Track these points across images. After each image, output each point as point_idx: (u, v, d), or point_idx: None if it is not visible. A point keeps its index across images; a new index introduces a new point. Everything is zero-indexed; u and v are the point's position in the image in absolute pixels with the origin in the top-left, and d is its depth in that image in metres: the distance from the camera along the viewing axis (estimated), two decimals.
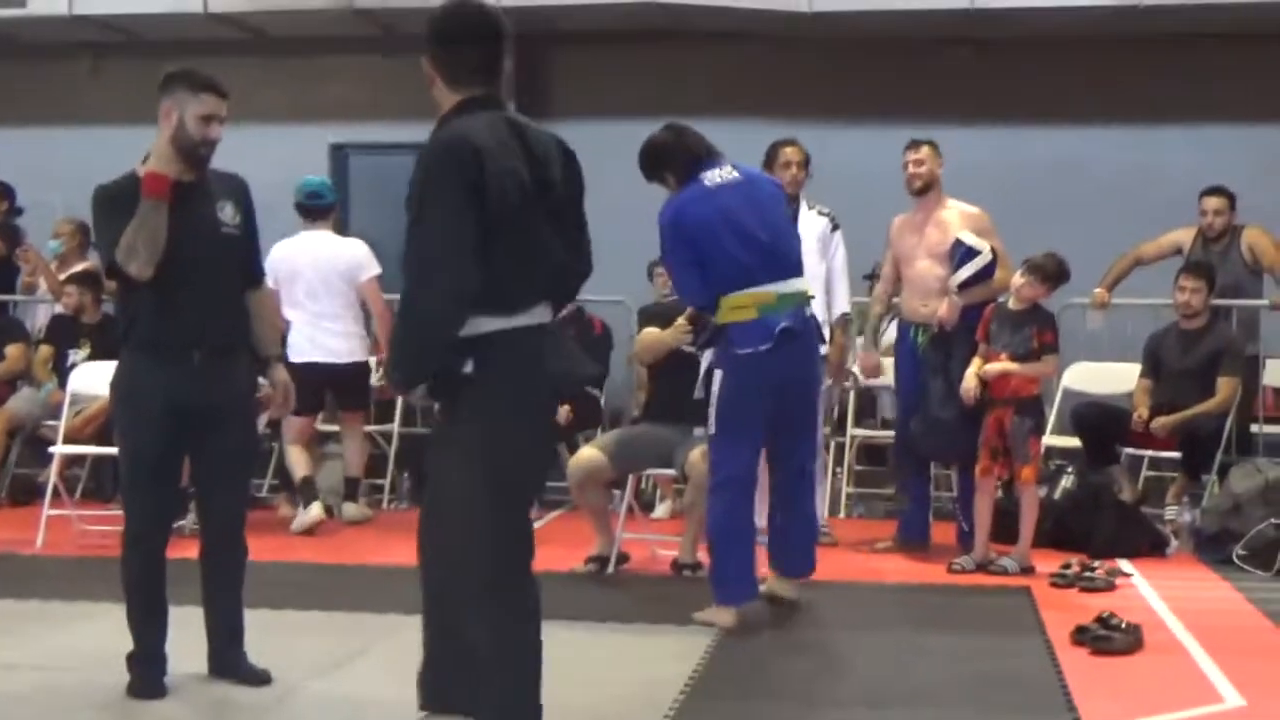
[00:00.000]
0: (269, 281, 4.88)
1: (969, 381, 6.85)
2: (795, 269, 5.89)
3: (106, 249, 4.56)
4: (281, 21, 10.46)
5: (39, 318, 9.78)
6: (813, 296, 6.06)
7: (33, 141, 11.30)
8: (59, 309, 9.17)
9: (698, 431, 6.31)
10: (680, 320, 6.41)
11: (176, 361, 4.54)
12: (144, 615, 4.64)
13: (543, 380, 3.75)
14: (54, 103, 11.35)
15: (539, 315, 3.75)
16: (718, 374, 5.76)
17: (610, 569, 6.78)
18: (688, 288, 5.92)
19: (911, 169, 7.35)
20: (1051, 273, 6.87)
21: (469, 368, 3.61)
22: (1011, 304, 6.92)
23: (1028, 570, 6.79)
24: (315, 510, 7.86)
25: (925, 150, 7.37)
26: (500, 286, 3.60)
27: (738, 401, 5.70)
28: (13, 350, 9.05)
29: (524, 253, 3.65)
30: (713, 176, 5.84)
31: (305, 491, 7.91)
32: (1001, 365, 6.78)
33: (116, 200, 4.54)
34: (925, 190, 7.36)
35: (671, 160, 5.94)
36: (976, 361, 6.90)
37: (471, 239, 3.54)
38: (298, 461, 7.97)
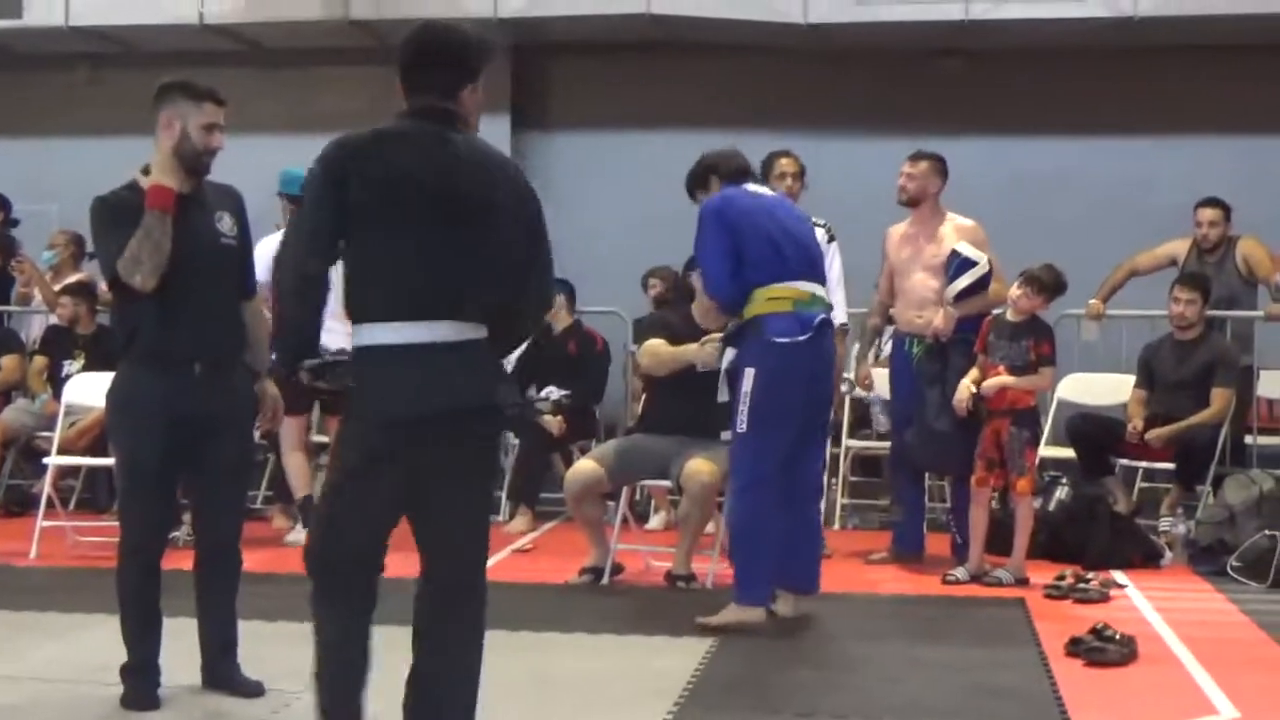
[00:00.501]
0: (259, 274, 4.88)
1: (962, 392, 6.86)
2: (824, 279, 6.07)
3: (108, 260, 4.57)
4: (277, 33, 10.48)
5: (34, 329, 9.78)
6: (831, 307, 6.10)
7: (29, 152, 11.30)
8: (54, 320, 9.16)
9: (722, 436, 6.32)
10: (714, 337, 6.44)
11: (177, 372, 4.54)
12: (138, 626, 4.63)
13: (381, 406, 3.57)
14: (50, 113, 11.36)
15: (419, 334, 3.57)
16: (748, 372, 5.78)
17: (605, 580, 6.78)
18: (717, 279, 5.96)
19: (902, 180, 7.37)
20: (1049, 284, 6.88)
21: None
22: (1009, 315, 6.93)
23: (1022, 582, 6.79)
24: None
25: (922, 165, 7.36)
26: (367, 297, 3.61)
27: (774, 394, 5.73)
28: (7, 361, 9.06)
29: (401, 263, 3.57)
30: (754, 188, 6.09)
31: (305, 510, 7.85)
32: (998, 379, 6.79)
33: (117, 211, 4.54)
34: (912, 203, 7.37)
35: (723, 169, 6.10)
36: (973, 372, 6.91)
37: (323, 227, 3.61)
38: (298, 473, 7.89)
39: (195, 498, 4.81)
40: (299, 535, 7.78)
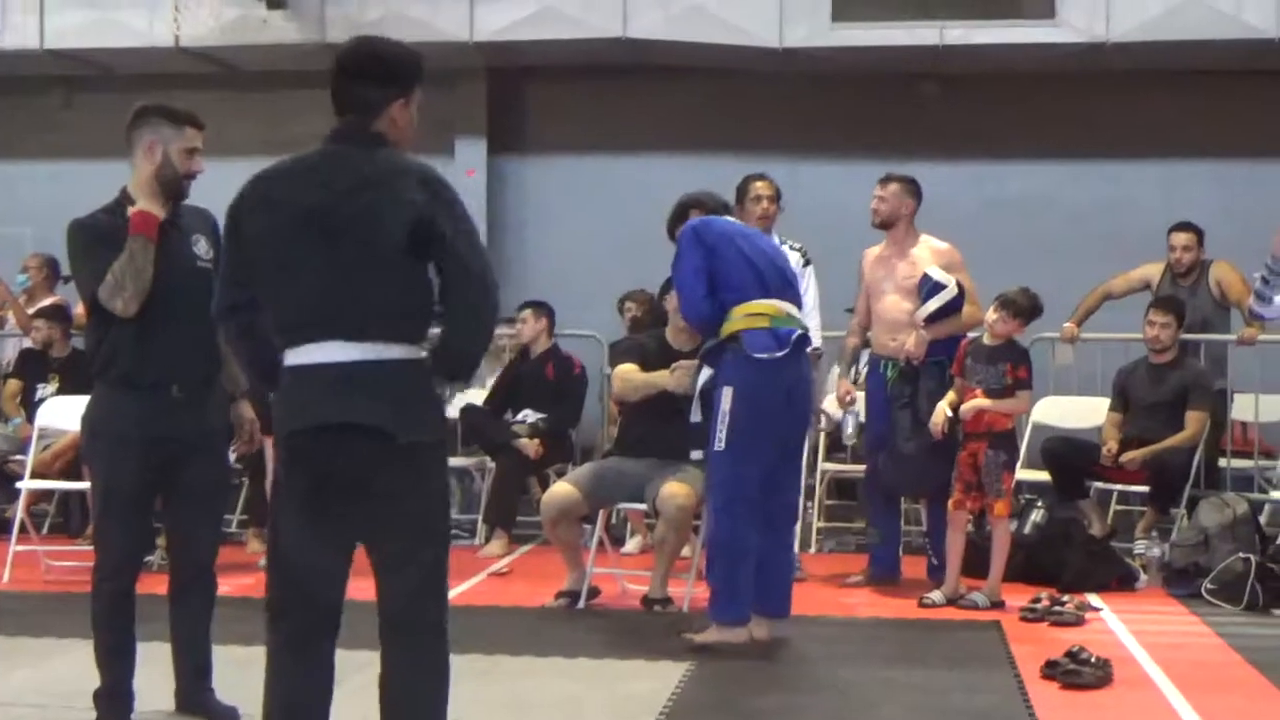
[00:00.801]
0: None
1: (938, 415, 6.87)
2: (799, 301, 6.16)
3: (87, 284, 4.57)
4: (253, 56, 10.48)
5: (7, 352, 9.74)
6: (805, 329, 6.13)
7: (4, 174, 11.29)
8: (28, 343, 9.12)
9: (692, 455, 6.31)
10: (684, 363, 6.47)
11: (153, 396, 4.53)
12: (112, 651, 4.60)
13: (280, 425, 3.60)
14: (25, 136, 11.35)
15: (312, 355, 3.53)
16: (727, 390, 5.81)
17: (581, 604, 6.76)
18: (692, 297, 5.99)
19: (874, 204, 7.40)
20: (1024, 308, 6.90)
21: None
22: (986, 339, 6.95)
23: (998, 605, 6.80)
24: None
25: (892, 187, 7.39)
26: (274, 325, 3.62)
27: (751, 411, 5.76)
28: None
29: (278, 283, 3.57)
30: (733, 220, 6.28)
31: None
32: (976, 403, 6.80)
33: (94, 235, 4.54)
34: (885, 226, 7.40)
35: (706, 204, 6.24)
36: (950, 395, 6.93)
37: (228, 272, 3.72)
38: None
39: (170, 521, 4.78)
40: None
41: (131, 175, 4.64)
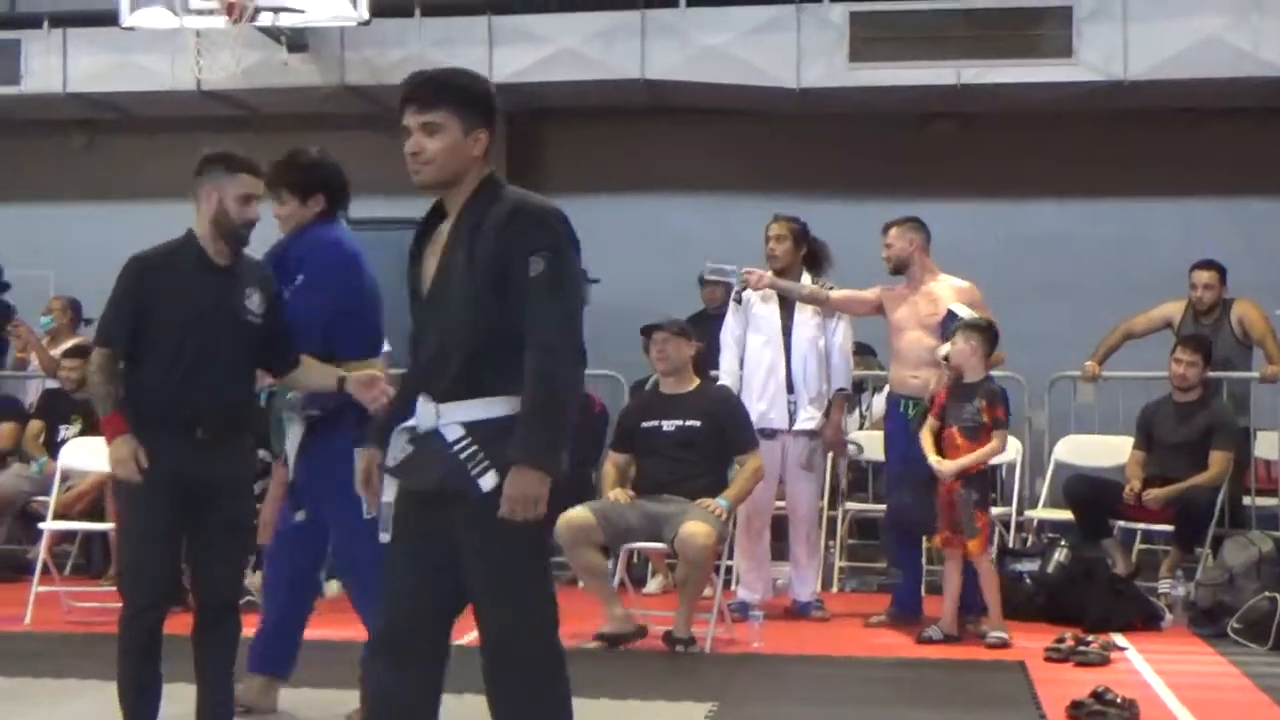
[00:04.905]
0: None
1: (941, 465, 6.86)
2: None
3: (100, 329, 4.68)
4: (274, 99, 10.54)
5: (30, 393, 9.78)
6: None
7: (26, 218, 11.37)
8: (50, 384, 9.16)
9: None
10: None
11: (180, 436, 4.56)
12: (137, 691, 4.60)
13: None
14: (48, 179, 11.42)
15: None
16: None
17: (625, 645, 6.69)
18: None
19: (883, 253, 7.50)
20: (983, 326, 6.95)
21: None
22: (966, 377, 6.95)
23: (1002, 639, 6.77)
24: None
25: (893, 231, 7.48)
26: None
27: None
28: (5, 428, 9.05)
29: None
30: None
31: None
32: (956, 464, 6.81)
33: (133, 279, 4.61)
34: (900, 269, 7.47)
35: None
36: (926, 434, 6.93)
37: None
38: None
39: (195, 560, 4.79)
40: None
41: (195, 221, 4.72)
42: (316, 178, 5.30)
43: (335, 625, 6.03)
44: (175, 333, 4.58)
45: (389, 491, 3.67)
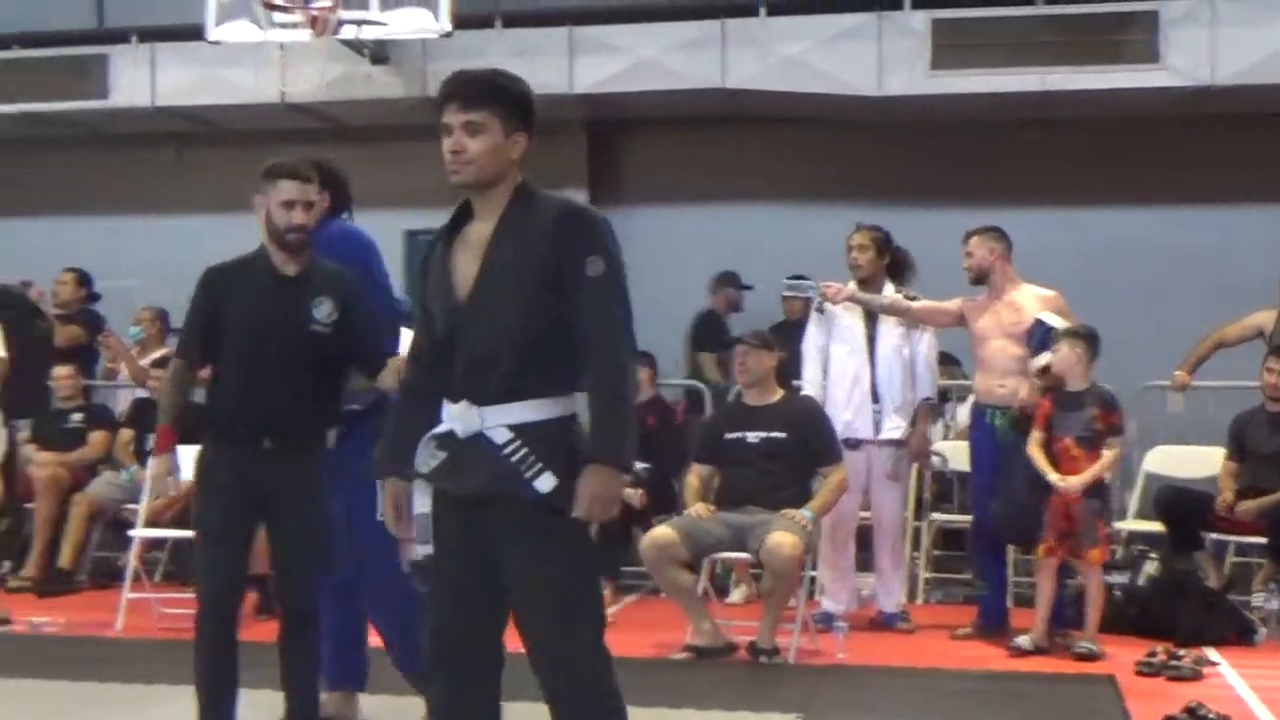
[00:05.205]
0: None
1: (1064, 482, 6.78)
2: None
3: (180, 333, 4.85)
4: (358, 111, 10.64)
5: (120, 403, 9.92)
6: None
7: (115, 230, 11.54)
8: (140, 393, 9.28)
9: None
10: None
11: (247, 447, 4.63)
12: (209, 688, 4.65)
13: None
14: (137, 192, 11.58)
15: None
16: None
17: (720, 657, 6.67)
18: None
19: (964, 263, 7.44)
20: (1084, 333, 6.88)
21: None
22: (1069, 385, 6.87)
23: (1095, 655, 6.68)
24: None
25: (973, 240, 7.42)
26: None
27: None
28: (97, 437, 9.19)
29: None
30: None
31: None
32: (1080, 480, 6.73)
33: (208, 289, 4.73)
34: (980, 279, 7.42)
35: None
36: (1038, 451, 6.85)
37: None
38: None
39: (273, 568, 4.85)
40: None
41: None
42: (326, 175, 5.31)
43: None
44: (241, 343, 4.66)
45: (423, 502, 3.61)
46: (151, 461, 4.87)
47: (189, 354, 4.78)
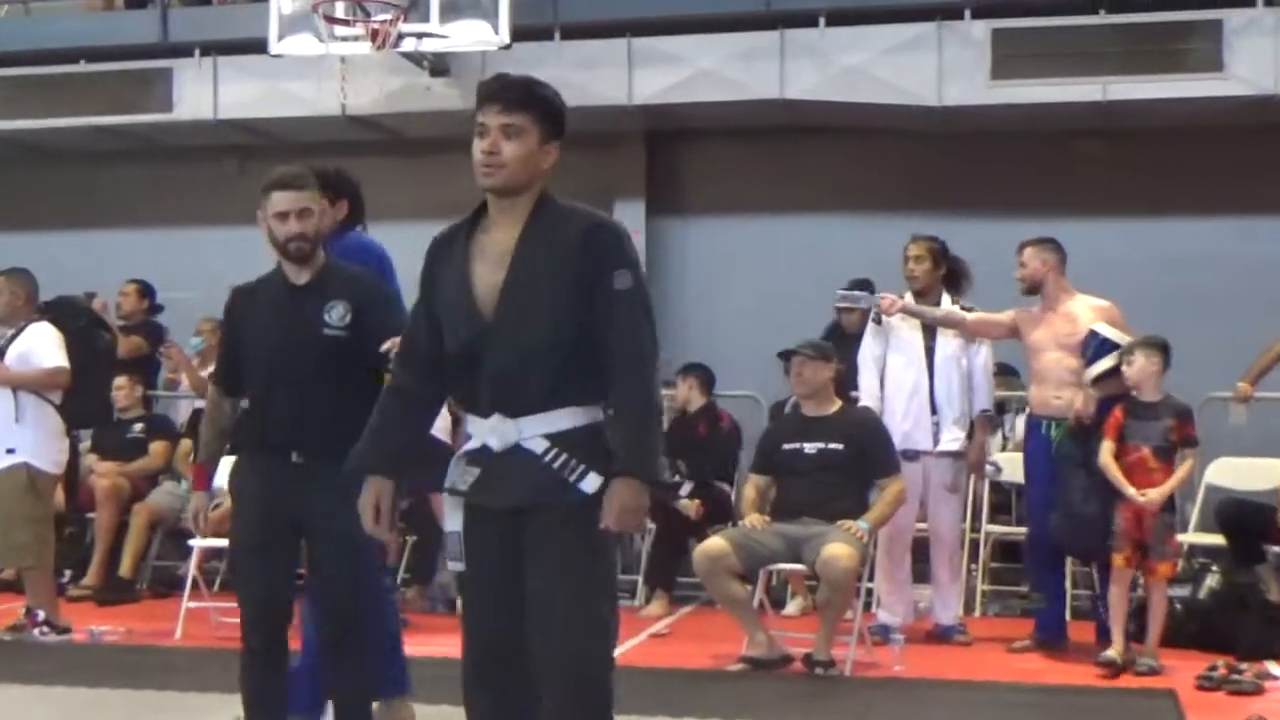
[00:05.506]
0: None
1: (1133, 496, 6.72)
2: None
3: (215, 361, 4.99)
4: (418, 123, 10.70)
5: (181, 413, 10.03)
6: None
7: (180, 241, 11.66)
8: (200, 404, 9.37)
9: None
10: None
11: (276, 460, 4.64)
12: (253, 699, 4.68)
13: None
14: (200, 203, 11.70)
15: None
16: None
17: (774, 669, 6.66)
18: None
19: (1017, 273, 7.43)
20: (1164, 347, 6.83)
21: None
22: (1143, 395, 6.81)
23: (1157, 672, 6.60)
24: None
25: (1027, 252, 7.41)
26: None
27: None
28: (157, 447, 9.30)
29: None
30: None
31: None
32: (1159, 492, 6.68)
33: (232, 307, 4.81)
34: (1033, 290, 7.39)
35: None
36: (1111, 462, 6.78)
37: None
38: None
39: (311, 581, 4.83)
40: None
41: None
42: (343, 184, 5.33)
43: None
44: (260, 357, 4.68)
45: (455, 520, 3.60)
46: (192, 497, 4.97)
47: (220, 377, 4.86)
